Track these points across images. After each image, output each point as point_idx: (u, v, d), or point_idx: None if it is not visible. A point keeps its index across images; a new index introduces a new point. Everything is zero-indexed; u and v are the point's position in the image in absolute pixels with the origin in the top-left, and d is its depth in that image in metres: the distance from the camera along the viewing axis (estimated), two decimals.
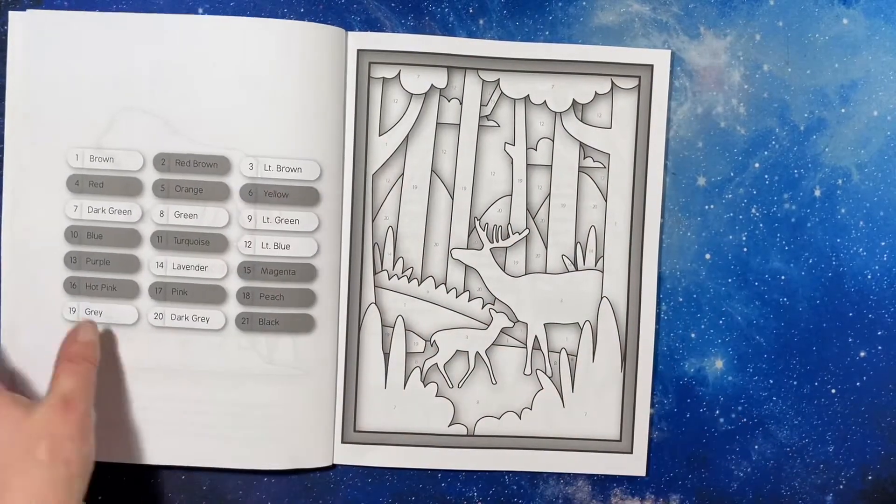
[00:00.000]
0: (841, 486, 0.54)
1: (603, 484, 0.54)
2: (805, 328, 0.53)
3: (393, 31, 0.52)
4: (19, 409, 0.44)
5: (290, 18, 0.52)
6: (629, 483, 0.54)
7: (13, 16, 0.50)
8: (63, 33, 0.50)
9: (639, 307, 0.53)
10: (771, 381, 0.54)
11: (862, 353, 0.53)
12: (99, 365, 0.48)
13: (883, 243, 0.53)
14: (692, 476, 0.54)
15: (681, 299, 0.53)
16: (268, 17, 0.51)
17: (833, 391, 0.53)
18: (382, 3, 0.52)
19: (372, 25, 0.52)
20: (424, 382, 0.53)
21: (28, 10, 0.50)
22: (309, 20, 0.52)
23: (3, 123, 0.51)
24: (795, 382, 0.54)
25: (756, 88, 0.53)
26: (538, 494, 0.54)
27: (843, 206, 0.53)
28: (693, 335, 0.53)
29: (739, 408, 0.54)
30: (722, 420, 0.54)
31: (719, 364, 0.54)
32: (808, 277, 0.53)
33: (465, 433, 0.53)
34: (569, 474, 0.54)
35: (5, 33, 0.51)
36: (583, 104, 0.52)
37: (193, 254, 0.50)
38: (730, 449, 0.54)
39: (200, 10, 0.52)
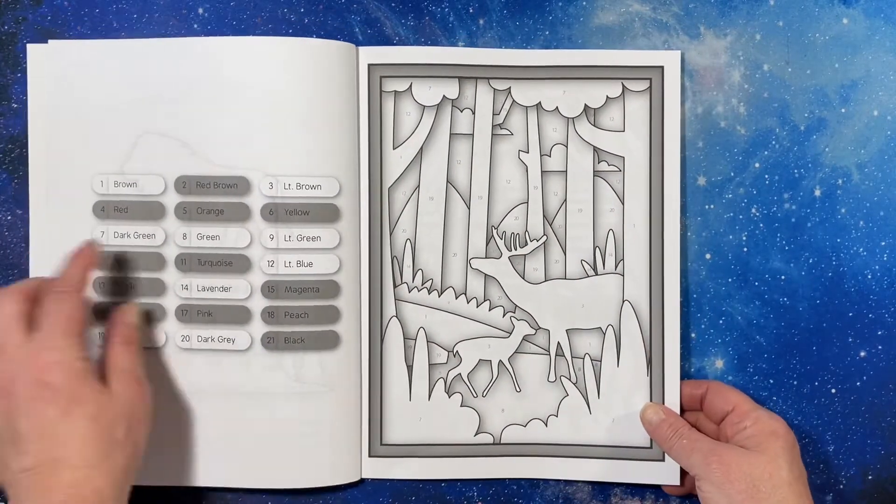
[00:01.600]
0: (841, 486, 0.54)
1: (603, 484, 0.54)
2: (805, 328, 0.54)
3: (393, 31, 0.53)
4: (95, 382, 0.44)
5: (290, 18, 0.53)
6: (629, 483, 0.54)
7: (31, 48, 0.52)
8: (81, 62, 0.51)
9: (662, 309, 0.53)
10: (771, 381, 0.54)
11: (862, 353, 0.54)
12: None
13: (883, 243, 0.53)
14: (691, 476, 0.54)
15: (681, 299, 0.53)
16: (267, 16, 0.53)
17: (833, 391, 0.54)
18: (383, 3, 0.53)
19: (372, 25, 0.53)
20: (449, 393, 0.54)
21: (48, 42, 0.52)
22: (309, 20, 0.53)
23: (26, 153, 0.52)
24: (795, 382, 0.54)
25: (756, 88, 0.53)
26: (538, 494, 0.54)
27: (843, 206, 0.53)
28: (693, 335, 0.54)
29: None
30: None
31: (719, 364, 0.54)
32: (808, 277, 0.53)
33: (491, 442, 0.53)
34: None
35: (6, 33, 0.52)
36: (595, 108, 0.53)
37: (217, 275, 0.52)
38: None
39: (200, 10, 0.53)
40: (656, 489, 0.54)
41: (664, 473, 0.53)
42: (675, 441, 0.49)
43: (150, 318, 0.52)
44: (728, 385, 0.52)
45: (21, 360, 0.43)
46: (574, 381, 0.54)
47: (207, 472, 0.53)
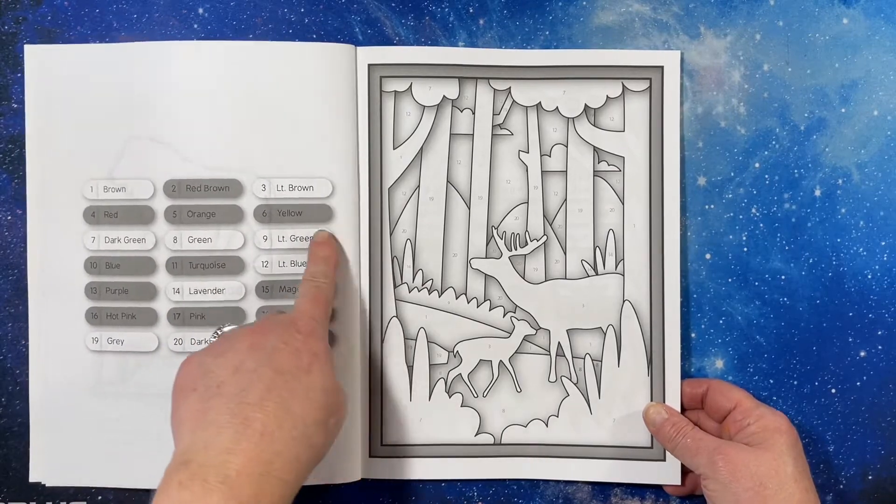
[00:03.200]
0: (841, 486, 0.54)
1: (603, 483, 0.55)
2: (805, 328, 0.54)
3: (393, 31, 0.53)
4: (332, 371, 0.44)
5: (290, 18, 0.53)
6: (629, 483, 0.55)
7: (29, 50, 0.52)
8: (74, 66, 0.52)
9: (662, 309, 0.53)
10: (771, 381, 0.54)
11: (862, 353, 0.54)
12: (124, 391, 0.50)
13: (883, 243, 0.54)
14: (692, 475, 0.54)
15: (681, 299, 0.54)
16: (267, 16, 0.53)
17: (833, 391, 0.54)
18: (382, 3, 0.54)
19: (372, 25, 0.53)
20: (449, 393, 0.54)
21: (42, 45, 0.52)
22: (309, 20, 0.53)
23: (26, 154, 0.53)
24: (795, 382, 0.54)
25: (756, 88, 0.54)
26: (538, 494, 0.55)
27: (843, 206, 0.54)
28: (693, 335, 0.54)
29: None
30: None
31: (719, 364, 0.54)
32: (808, 277, 0.54)
33: (492, 442, 0.54)
34: None
35: (6, 33, 0.53)
36: (595, 108, 0.53)
37: (210, 277, 0.52)
38: None
39: (200, 10, 0.54)
40: (657, 489, 0.55)
41: (665, 473, 0.53)
42: (678, 440, 0.50)
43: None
44: (729, 383, 0.53)
45: (275, 321, 0.44)
46: (575, 382, 0.54)
47: None
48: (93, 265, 0.52)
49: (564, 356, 0.54)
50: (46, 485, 0.53)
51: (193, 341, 0.52)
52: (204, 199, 0.52)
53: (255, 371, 0.41)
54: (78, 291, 0.52)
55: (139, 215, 0.52)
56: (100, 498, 0.54)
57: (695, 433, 0.49)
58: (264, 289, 0.52)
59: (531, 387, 0.54)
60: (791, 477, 0.46)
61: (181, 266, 0.52)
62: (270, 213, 0.52)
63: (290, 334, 0.43)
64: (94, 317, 0.52)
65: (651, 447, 0.53)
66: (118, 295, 0.52)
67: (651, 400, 0.53)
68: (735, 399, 0.51)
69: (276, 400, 0.40)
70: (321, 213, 0.52)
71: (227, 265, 0.52)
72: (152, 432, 0.52)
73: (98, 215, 0.52)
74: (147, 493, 0.53)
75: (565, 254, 0.54)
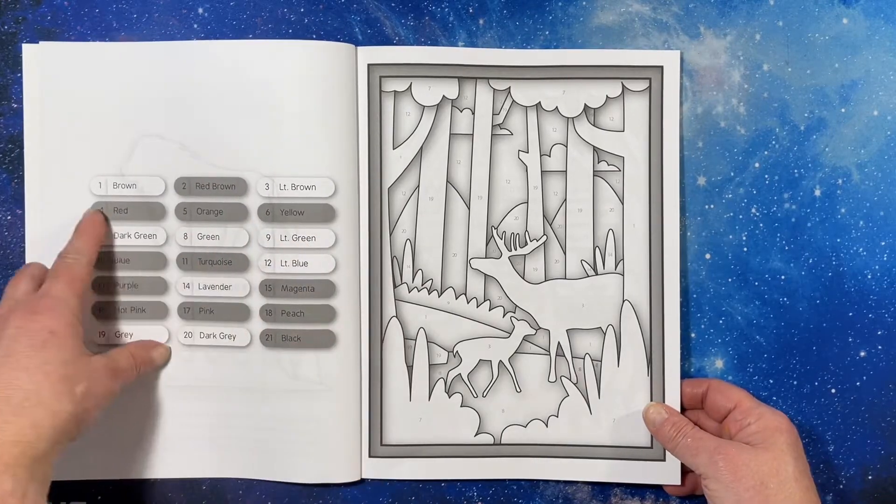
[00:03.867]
0: (841, 486, 0.55)
1: (602, 483, 0.55)
2: (805, 328, 0.54)
3: (393, 31, 0.53)
4: (80, 341, 0.47)
5: (290, 18, 0.54)
6: (629, 483, 0.55)
7: (27, 49, 0.53)
8: (78, 64, 0.52)
9: (662, 309, 0.54)
10: (771, 381, 0.54)
11: (862, 353, 0.54)
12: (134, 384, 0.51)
13: (883, 243, 0.54)
14: (692, 475, 0.54)
15: (681, 299, 0.54)
16: (267, 16, 0.53)
17: (833, 391, 0.54)
18: (382, 3, 0.54)
19: (372, 25, 0.54)
20: (449, 393, 0.54)
21: (42, 43, 0.52)
22: (309, 20, 0.54)
23: (21, 153, 0.53)
24: (795, 382, 0.54)
25: (756, 88, 0.54)
26: (538, 494, 0.55)
27: (843, 206, 0.54)
28: (693, 335, 0.55)
29: None
30: None
31: (719, 364, 0.55)
32: (808, 277, 0.54)
33: (491, 442, 0.54)
34: None
35: (6, 33, 0.53)
36: (594, 108, 0.54)
37: (217, 273, 0.53)
38: None
39: (200, 10, 0.54)
40: (657, 489, 0.55)
41: (665, 473, 0.54)
42: (679, 440, 0.50)
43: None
44: (729, 383, 0.53)
45: (21, 303, 0.47)
46: (574, 382, 0.54)
47: (207, 465, 0.54)
48: (101, 260, 0.52)
49: (564, 356, 0.54)
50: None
51: (202, 335, 0.53)
52: (212, 197, 0.52)
53: None
54: (85, 286, 0.52)
55: (151, 212, 0.53)
56: (100, 498, 0.54)
57: (695, 433, 0.50)
58: (267, 287, 0.53)
59: (531, 387, 0.54)
60: (792, 476, 0.47)
61: (191, 262, 0.53)
62: (273, 212, 0.52)
63: (27, 317, 0.45)
64: (100, 311, 0.53)
65: (651, 447, 0.54)
66: (128, 289, 0.53)
67: (651, 400, 0.54)
68: (735, 399, 0.51)
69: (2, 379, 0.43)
70: (323, 212, 0.52)
71: (234, 262, 0.53)
72: (161, 424, 0.53)
73: (107, 210, 0.52)
74: (150, 485, 0.54)
75: (565, 254, 0.54)
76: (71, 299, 0.47)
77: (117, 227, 0.53)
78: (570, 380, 0.54)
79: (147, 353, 0.52)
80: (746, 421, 0.49)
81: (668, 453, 0.53)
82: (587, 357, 0.54)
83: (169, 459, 0.54)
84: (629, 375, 0.54)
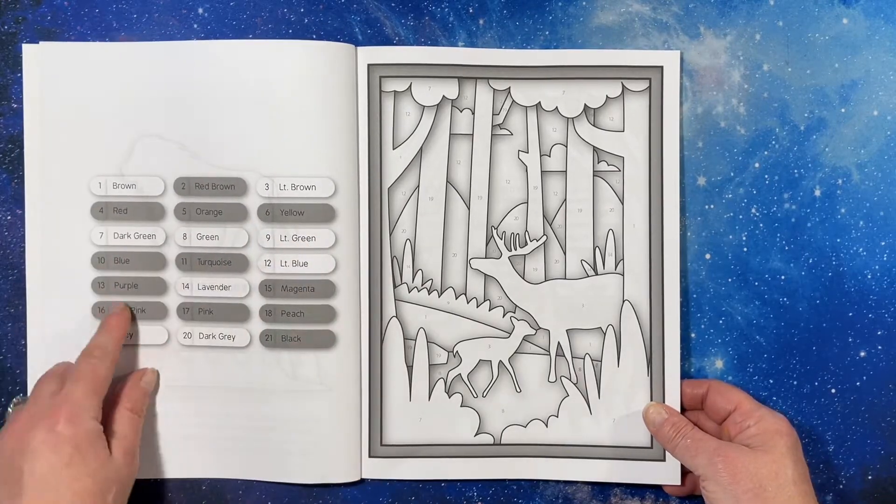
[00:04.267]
0: (841, 486, 0.55)
1: (602, 484, 0.55)
2: (805, 328, 0.54)
3: (393, 31, 0.54)
4: (103, 450, 0.47)
5: (290, 18, 0.54)
6: (629, 483, 0.55)
7: (27, 49, 0.53)
8: (78, 64, 0.52)
9: (662, 309, 0.54)
10: (771, 381, 0.55)
11: (862, 353, 0.54)
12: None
13: (883, 243, 0.54)
14: (692, 475, 0.54)
15: (681, 299, 0.54)
16: (267, 16, 0.54)
17: (833, 391, 0.54)
18: (383, 3, 0.54)
19: (372, 25, 0.54)
20: (449, 393, 0.54)
21: (42, 43, 0.53)
22: (309, 20, 0.54)
23: (21, 153, 0.53)
24: (795, 382, 0.55)
25: (756, 88, 0.54)
26: (538, 494, 0.55)
27: (843, 206, 0.54)
28: (693, 335, 0.55)
29: None
30: None
31: (719, 364, 0.55)
32: (808, 277, 0.54)
33: (491, 442, 0.54)
34: None
35: (6, 33, 0.53)
36: (594, 108, 0.54)
37: (217, 274, 0.53)
38: None
39: (200, 10, 0.54)
40: (656, 489, 0.55)
41: (665, 473, 0.54)
42: (678, 441, 0.50)
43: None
44: (729, 384, 0.53)
45: (44, 408, 0.47)
46: (574, 382, 0.54)
47: (208, 465, 0.54)
48: (100, 260, 0.53)
49: (564, 356, 0.54)
50: None
51: (202, 335, 0.53)
52: (212, 197, 0.52)
53: (11, 472, 0.45)
54: (84, 286, 0.53)
55: (150, 212, 0.53)
56: None
57: (694, 434, 0.50)
58: (267, 287, 0.53)
59: (531, 387, 0.54)
60: (791, 480, 0.47)
61: (191, 262, 0.53)
62: (273, 212, 0.52)
63: (51, 431, 0.46)
64: (100, 311, 0.53)
65: (651, 447, 0.54)
66: (127, 289, 0.53)
67: (651, 400, 0.54)
68: (735, 400, 0.51)
69: (28, 498, 0.44)
70: (323, 212, 0.52)
71: (233, 263, 0.53)
72: (161, 425, 0.54)
73: (107, 211, 0.53)
74: (150, 485, 0.54)
75: (565, 254, 0.54)
76: (92, 404, 0.47)
77: (117, 228, 0.53)
78: (570, 380, 0.54)
79: (139, 394, 0.52)
80: (746, 423, 0.49)
81: (668, 453, 0.53)
82: (587, 357, 0.54)
83: (169, 460, 0.54)
84: (629, 375, 0.54)
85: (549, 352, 0.54)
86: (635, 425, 0.54)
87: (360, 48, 0.53)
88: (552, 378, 0.54)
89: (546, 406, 0.54)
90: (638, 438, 0.54)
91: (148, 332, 0.53)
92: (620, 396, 0.54)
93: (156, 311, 0.53)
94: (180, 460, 0.54)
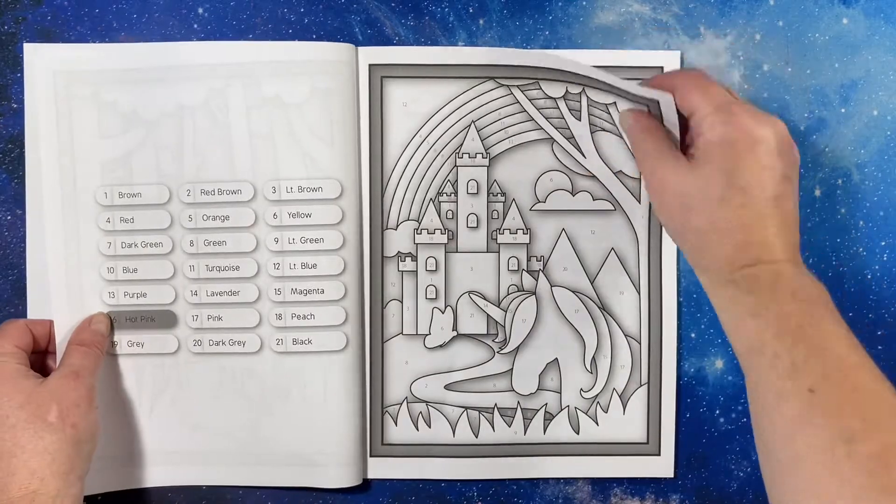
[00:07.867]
0: None
1: (602, 483, 0.56)
2: None
3: (393, 31, 0.54)
4: (30, 379, 0.48)
5: (290, 19, 0.54)
6: (629, 483, 0.56)
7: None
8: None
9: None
10: None
11: None
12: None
13: (883, 243, 0.55)
14: (692, 476, 0.56)
15: (681, 299, 0.55)
16: (267, 16, 0.54)
17: None
18: (382, 3, 0.54)
19: (372, 25, 0.54)
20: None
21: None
22: (309, 20, 0.54)
23: (21, 153, 0.54)
24: None
25: (756, 88, 0.55)
26: (538, 494, 0.56)
27: (843, 206, 0.55)
28: (693, 335, 0.55)
29: (739, 408, 0.55)
30: (722, 420, 0.56)
31: (719, 364, 0.55)
32: None
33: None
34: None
35: (6, 33, 0.54)
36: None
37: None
38: (730, 449, 0.56)
39: (200, 10, 0.54)
40: (656, 489, 0.56)
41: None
42: (637, 139, 0.47)
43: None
44: (703, 82, 0.45)
45: (38, 403, 0.47)
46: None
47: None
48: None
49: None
50: None
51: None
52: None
53: None
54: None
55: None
56: (99, 498, 0.54)
57: (655, 137, 0.46)
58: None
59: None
60: (717, 196, 0.42)
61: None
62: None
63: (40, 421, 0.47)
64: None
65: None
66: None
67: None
68: (692, 107, 0.44)
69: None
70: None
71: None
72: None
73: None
74: (157, 490, 0.55)
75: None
76: (12, 347, 0.50)
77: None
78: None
79: (88, 333, 0.52)
80: (698, 131, 0.44)
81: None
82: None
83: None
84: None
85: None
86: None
87: (361, 48, 0.54)
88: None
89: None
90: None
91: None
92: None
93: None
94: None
